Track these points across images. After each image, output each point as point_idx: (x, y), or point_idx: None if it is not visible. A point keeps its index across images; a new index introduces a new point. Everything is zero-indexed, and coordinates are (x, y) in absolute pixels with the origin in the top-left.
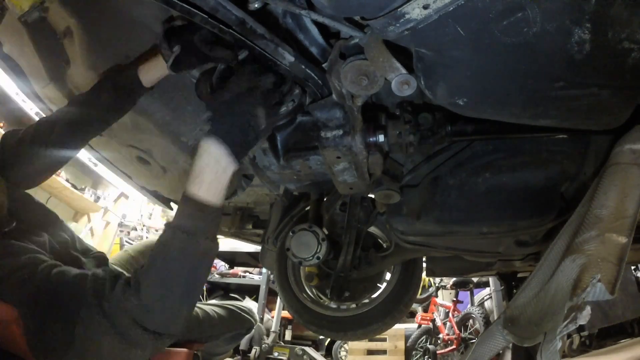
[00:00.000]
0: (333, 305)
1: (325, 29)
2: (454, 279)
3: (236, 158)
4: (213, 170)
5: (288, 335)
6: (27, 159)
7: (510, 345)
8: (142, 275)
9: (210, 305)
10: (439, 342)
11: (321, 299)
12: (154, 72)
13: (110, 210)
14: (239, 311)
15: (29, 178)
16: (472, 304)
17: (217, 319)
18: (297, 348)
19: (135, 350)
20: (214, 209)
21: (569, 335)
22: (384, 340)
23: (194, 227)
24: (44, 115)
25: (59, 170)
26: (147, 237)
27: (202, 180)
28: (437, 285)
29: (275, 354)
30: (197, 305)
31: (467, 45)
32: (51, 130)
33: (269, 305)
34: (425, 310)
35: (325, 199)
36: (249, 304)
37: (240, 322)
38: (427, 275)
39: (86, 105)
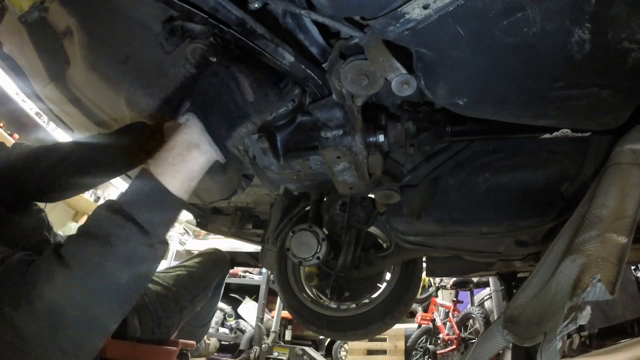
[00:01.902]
0: (333, 305)
1: (325, 29)
2: (454, 279)
3: (217, 142)
4: (177, 152)
5: (288, 335)
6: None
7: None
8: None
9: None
10: (439, 342)
11: (321, 299)
12: None
13: None
14: (211, 253)
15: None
16: (472, 304)
17: (200, 270)
18: (297, 348)
19: None
20: (179, 204)
21: (569, 335)
22: (384, 340)
23: (153, 224)
24: (44, 116)
25: None
26: None
27: (171, 164)
28: (437, 285)
29: (275, 354)
30: (177, 266)
31: (467, 45)
32: (64, 163)
33: (269, 305)
34: (425, 310)
35: (325, 199)
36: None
37: (219, 263)
38: (427, 275)
39: (105, 146)
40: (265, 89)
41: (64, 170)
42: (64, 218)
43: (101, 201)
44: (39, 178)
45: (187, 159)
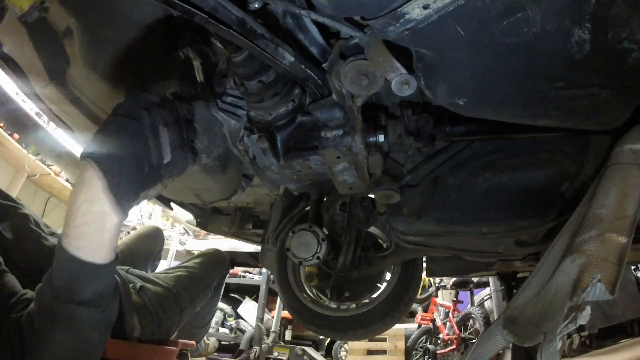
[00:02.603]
0: (333, 305)
1: (325, 29)
2: (454, 279)
3: (118, 203)
4: (86, 221)
5: (288, 335)
6: None
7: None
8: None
9: (182, 266)
10: (439, 342)
11: (321, 299)
12: None
13: None
14: (211, 254)
15: None
16: (472, 304)
17: (200, 271)
18: (297, 348)
19: None
20: (112, 265)
21: (569, 335)
22: (384, 340)
23: (97, 294)
24: (44, 116)
25: (59, 170)
26: None
27: (76, 235)
28: (437, 285)
29: (275, 354)
30: (177, 267)
31: (467, 45)
32: None
33: (269, 305)
34: (425, 310)
35: (325, 199)
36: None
37: (219, 264)
38: (427, 275)
39: None
40: (184, 148)
41: None
42: (62, 215)
43: None
44: None
45: (99, 227)
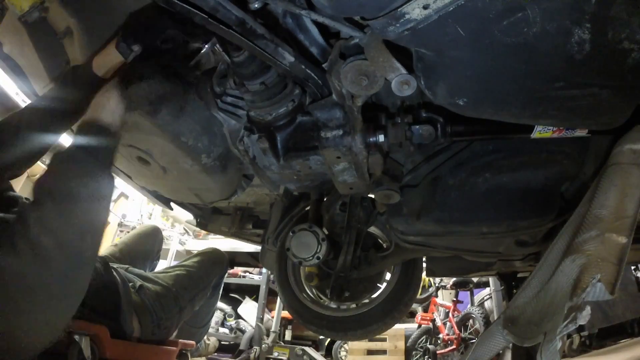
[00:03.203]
0: (333, 305)
1: (325, 29)
2: (454, 279)
3: None
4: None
5: (288, 335)
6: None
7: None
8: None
9: (181, 265)
10: (439, 342)
11: (321, 299)
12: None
13: (110, 210)
14: (209, 252)
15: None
16: (472, 304)
17: (199, 270)
18: (297, 348)
19: None
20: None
21: (569, 335)
22: (384, 340)
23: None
24: None
25: None
26: None
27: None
28: (437, 285)
29: (275, 354)
30: (176, 266)
31: (467, 45)
32: (18, 127)
33: (269, 305)
34: (425, 310)
35: (325, 199)
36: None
37: (218, 263)
38: (427, 275)
39: (50, 100)
40: None
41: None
42: None
43: None
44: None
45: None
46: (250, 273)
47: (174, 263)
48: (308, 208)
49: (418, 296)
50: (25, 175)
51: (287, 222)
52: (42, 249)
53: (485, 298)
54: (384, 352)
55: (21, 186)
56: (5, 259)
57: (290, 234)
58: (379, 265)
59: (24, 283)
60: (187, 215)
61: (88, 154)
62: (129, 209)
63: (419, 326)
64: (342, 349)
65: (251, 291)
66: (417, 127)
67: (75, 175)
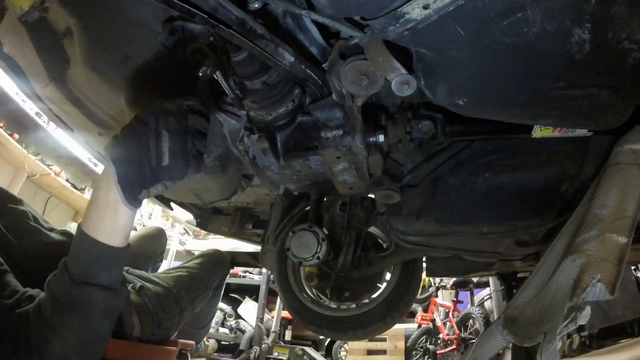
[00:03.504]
0: (333, 305)
1: (325, 29)
2: (454, 279)
3: (125, 195)
4: (102, 206)
5: (288, 335)
6: None
7: (510, 345)
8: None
9: (182, 267)
10: (439, 342)
11: (321, 299)
12: None
13: None
14: (211, 254)
15: None
16: (472, 304)
17: (201, 271)
18: (297, 348)
19: None
20: (125, 253)
21: (569, 335)
22: (384, 340)
23: (111, 279)
24: (44, 116)
25: (59, 170)
26: None
27: (94, 218)
28: (437, 285)
29: (275, 354)
30: (178, 268)
31: (467, 45)
32: None
33: (269, 305)
34: (425, 310)
35: (325, 199)
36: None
37: (220, 265)
38: (427, 275)
39: None
40: (186, 155)
41: None
42: (64, 218)
43: None
44: None
45: (114, 213)
46: (250, 273)
47: (174, 263)
48: (308, 208)
49: (418, 296)
50: (25, 175)
51: (287, 222)
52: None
53: (485, 298)
54: (384, 352)
55: (21, 186)
56: None
57: (290, 234)
58: (379, 265)
59: None
60: (187, 215)
61: (101, 288)
62: None
63: (419, 326)
64: (342, 349)
65: (251, 291)
66: (416, 122)
67: (93, 312)
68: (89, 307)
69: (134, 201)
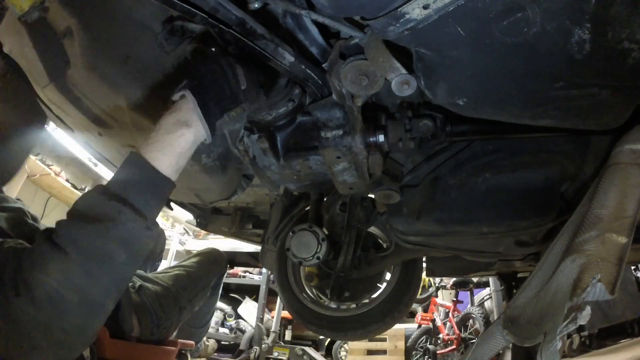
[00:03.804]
0: (333, 305)
1: (325, 29)
2: (454, 279)
3: (208, 119)
4: (168, 130)
5: (288, 335)
6: None
7: (510, 345)
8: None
9: (180, 265)
10: (439, 342)
11: (321, 299)
12: None
13: None
14: (208, 252)
15: None
16: (472, 304)
17: (198, 270)
18: (297, 348)
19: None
20: (169, 185)
21: (569, 335)
22: (384, 340)
23: (147, 206)
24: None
25: (59, 170)
26: None
27: (151, 142)
28: (437, 285)
29: (275, 354)
30: (175, 266)
31: (467, 45)
32: None
33: (269, 305)
34: (425, 310)
35: (325, 199)
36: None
37: (217, 263)
38: (427, 275)
39: None
40: (257, 82)
41: None
42: (62, 215)
43: None
44: None
45: (175, 137)
46: (250, 273)
47: (174, 263)
48: (308, 208)
49: (418, 296)
50: (25, 175)
51: (287, 222)
52: (62, 302)
53: (485, 298)
54: (384, 352)
55: (21, 186)
56: (22, 307)
57: (290, 234)
58: (379, 265)
59: (39, 323)
60: (187, 215)
61: (132, 208)
62: None
63: (419, 326)
64: (342, 349)
65: (251, 291)
66: (417, 121)
67: (114, 237)
68: (111, 228)
69: (213, 126)
